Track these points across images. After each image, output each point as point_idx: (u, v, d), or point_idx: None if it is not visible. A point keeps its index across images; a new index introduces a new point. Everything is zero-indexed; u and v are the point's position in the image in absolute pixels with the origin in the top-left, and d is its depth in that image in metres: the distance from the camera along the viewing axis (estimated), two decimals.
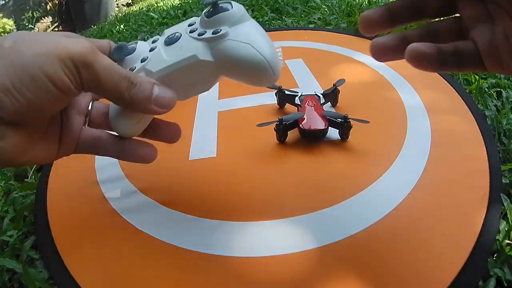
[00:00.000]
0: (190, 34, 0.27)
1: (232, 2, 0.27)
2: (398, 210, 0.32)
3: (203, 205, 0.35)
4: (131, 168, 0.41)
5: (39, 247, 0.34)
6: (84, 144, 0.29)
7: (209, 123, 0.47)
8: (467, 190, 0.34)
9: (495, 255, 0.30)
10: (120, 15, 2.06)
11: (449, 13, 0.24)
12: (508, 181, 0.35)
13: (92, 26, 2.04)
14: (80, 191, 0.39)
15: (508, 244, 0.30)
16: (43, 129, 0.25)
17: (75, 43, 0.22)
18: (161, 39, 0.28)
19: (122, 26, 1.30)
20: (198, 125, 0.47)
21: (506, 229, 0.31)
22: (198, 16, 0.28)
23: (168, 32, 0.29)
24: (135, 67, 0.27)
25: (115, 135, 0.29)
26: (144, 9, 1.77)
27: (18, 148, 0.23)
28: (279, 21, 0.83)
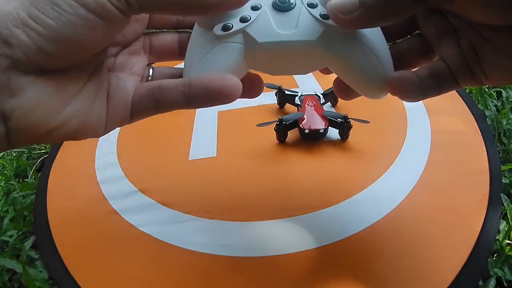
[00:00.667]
0: (310, 9, 0.22)
1: None
2: (398, 210, 0.32)
3: (203, 205, 0.35)
4: (131, 168, 0.41)
5: (39, 247, 0.34)
6: (141, 104, 0.22)
7: (209, 123, 0.47)
8: (467, 190, 0.34)
9: (495, 255, 0.30)
10: None
11: (411, 32, 0.24)
12: (508, 181, 0.35)
13: None
14: (80, 191, 0.39)
15: (508, 244, 0.30)
16: (80, 79, 0.20)
17: None
18: None
19: None
20: (198, 125, 0.47)
21: (506, 229, 0.31)
22: None
23: None
24: (231, 25, 0.22)
25: (179, 80, 0.22)
26: None
27: (44, 105, 0.17)
28: None
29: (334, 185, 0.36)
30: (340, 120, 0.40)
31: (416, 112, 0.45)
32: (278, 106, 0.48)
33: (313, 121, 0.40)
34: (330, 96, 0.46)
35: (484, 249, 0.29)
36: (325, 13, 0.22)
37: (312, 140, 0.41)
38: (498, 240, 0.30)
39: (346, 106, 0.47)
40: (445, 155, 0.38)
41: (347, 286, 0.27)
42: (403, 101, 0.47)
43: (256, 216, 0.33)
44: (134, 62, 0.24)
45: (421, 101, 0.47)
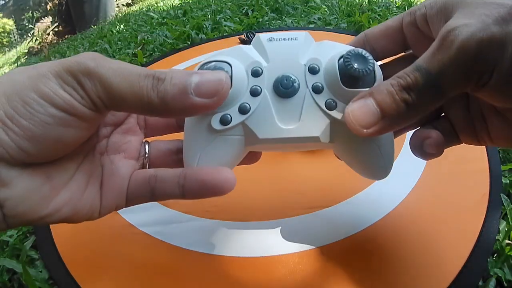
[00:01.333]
0: (314, 96, 0.20)
1: (375, 64, 0.20)
2: (397, 210, 0.32)
3: (203, 205, 0.35)
4: None
5: (39, 247, 0.34)
6: (136, 193, 0.22)
7: None
8: (467, 190, 0.34)
9: (495, 255, 0.30)
10: (120, 15, 2.06)
11: None
12: (508, 181, 0.35)
13: (92, 26, 2.04)
14: None
15: (508, 244, 0.30)
16: (69, 169, 0.20)
17: (74, 57, 0.18)
18: (267, 74, 0.21)
19: (122, 26, 1.30)
20: None
21: (506, 229, 0.31)
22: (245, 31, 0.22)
23: (275, 60, 0.21)
24: (230, 117, 0.20)
25: (174, 168, 0.22)
26: (144, 9, 1.77)
27: (33, 195, 0.18)
28: (279, 21, 0.83)
29: (334, 185, 0.36)
30: None
31: None
32: None
33: None
34: None
35: (484, 249, 0.29)
36: (331, 100, 0.20)
37: None
38: (498, 240, 0.30)
39: None
40: (445, 155, 0.38)
41: (347, 286, 0.27)
42: None
43: (256, 216, 0.33)
44: (128, 142, 0.23)
45: None
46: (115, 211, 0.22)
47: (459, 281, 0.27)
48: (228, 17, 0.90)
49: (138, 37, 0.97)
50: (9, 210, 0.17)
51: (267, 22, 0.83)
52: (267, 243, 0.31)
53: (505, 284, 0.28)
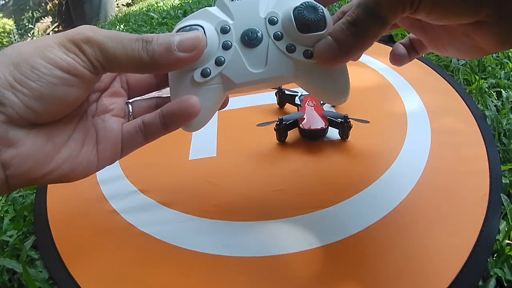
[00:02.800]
0: (276, 43, 0.24)
1: (325, 12, 0.24)
2: (398, 210, 0.32)
3: (203, 205, 0.35)
4: (131, 168, 0.41)
5: (39, 247, 0.34)
6: (130, 140, 0.25)
7: (209, 123, 0.47)
8: (467, 190, 0.34)
9: (495, 255, 0.30)
10: (120, 15, 2.06)
11: None
12: (508, 181, 0.35)
13: None
14: (80, 191, 0.39)
15: (508, 244, 0.30)
16: (68, 129, 0.22)
17: (75, 28, 0.21)
18: (234, 30, 0.25)
19: (122, 26, 1.30)
20: None
21: (506, 229, 0.31)
22: None
23: (239, 17, 0.25)
24: (209, 70, 0.24)
25: (155, 112, 0.25)
26: (144, 9, 1.77)
27: (38, 153, 0.20)
28: None
29: (334, 185, 0.36)
30: (340, 120, 0.40)
31: (416, 112, 0.45)
32: (278, 106, 0.48)
33: (313, 121, 0.40)
34: None
35: (484, 249, 0.29)
36: (290, 45, 0.24)
37: (312, 140, 0.41)
38: (498, 240, 0.30)
39: (346, 106, 0.47)
40: (445, 155, 0.38)
41: (347, 286, 0.27)
42: (403, 101, 0.47)
43: (256, 216, 0.33)
44: (115, 103, 0.26)
45: (421, 101, 0.47)
46: (110, 164, 0.25)
47: (459, 281, 0.27)
48: None
49: None
50: (15, 169, 0.19)
51: None
52: (268, 243, 0.31)
53: (505, 284, 0.28)
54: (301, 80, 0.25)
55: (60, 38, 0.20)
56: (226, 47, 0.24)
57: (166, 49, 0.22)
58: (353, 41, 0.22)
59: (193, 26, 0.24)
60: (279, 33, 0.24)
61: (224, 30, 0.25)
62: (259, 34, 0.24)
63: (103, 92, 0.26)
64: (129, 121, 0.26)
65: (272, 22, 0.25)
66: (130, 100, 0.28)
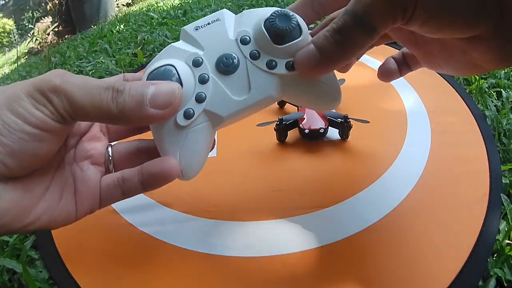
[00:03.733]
0: (255, 62, 0.22)
1: (297, 18, 0.22)
2: (398, 210, 0.32)
3: (203, 205, 0.35)
4: None
5: (39, 247, 0.34)
6: (109, 194, 0.24)
7: None
8: (467, 190, 0.34)
9: (495, 255, 0.30)
10: (120, 15, 2.06)
11: None
12: (508, 181, 0.35)
13: (92, 26, 2.04)
14: None
15: (508, 244, 0.30)
16: (44, 181, 0.22)
17: (43, 75, 0.20)
18: (206, 60, 0.23)
19: (122, 26, 1.30)
20: None
21: (506, 229, 0.31)
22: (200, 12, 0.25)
23: (208, 45, 0.23)
24: (192, 110, 0.22)
25: (135, 169, 0.24)
26: (144, 9, 1.77)
27: (16, 207, 0.20)
28: None
29: (334, 185, 0.36)
30: (340, 120, 0.40)
31: (416, 112, 0.45)
32: (278, 106, 0.48)
33: (313, 121, 0.40)
34: None
35: (484, 249, 0.29)
36: (270, 60, 0.22)
37: (312, 140, 0.41)
38: (498, 240, 0.30)
39: (346, 106, 0.47)
40: (445, 155, 0.38)
41: (347, 286, 0.27)
42: (403, 101, 0.47)
43: (256, 216, 0.33)
44: (94, 148, 0.25)
45: (421, 101, 0.47)
46: (89, 214, 0.24)
47: (459, 281, 0.27)
48: None
49: (138, 37, 0.97)
50: None
51: None
52: (267, 243, 0.31)
53: (505, 284, 0.28)
54: (290, 94, 0.24)
55: (28, 88, 0.19)
56: (203, 80, 0.22)
57: (138, 103, 0.20)
58: (337, 50, 0.20)
59: (165, 67, 0.22)
60: (255, 51, 0.23)
61: (197, 63, 0.23)
62: (234, 59, 0.23)
63: (82, 137, 0.25)
64: (108, 167, 0.25)
65: (244, 41, 0.23)
66: (112, 143, 0.27)
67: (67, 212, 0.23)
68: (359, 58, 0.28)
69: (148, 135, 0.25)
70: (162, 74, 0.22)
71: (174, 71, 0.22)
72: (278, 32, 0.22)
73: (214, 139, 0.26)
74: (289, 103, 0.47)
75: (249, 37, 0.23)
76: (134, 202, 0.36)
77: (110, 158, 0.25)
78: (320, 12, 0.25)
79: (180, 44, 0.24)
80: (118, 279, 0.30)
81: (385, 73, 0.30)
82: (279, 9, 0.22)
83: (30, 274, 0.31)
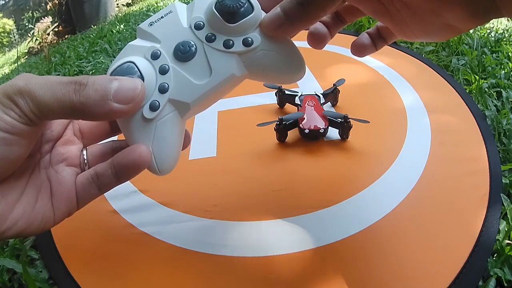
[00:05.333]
0: (211, 45, 0.23)
1: None
2: (397, 210, 0.32)
3: (203, 205, 0.35)
4: None
5: (39, 247, 0.34)
6: (85, 192, 0.24)
7: (209, 123, 0.47)
8: (467, 190, 0.34)
9: (495, 255, 0.30)
10: (120, 15, 2.06)
11: None
12: (508, 181, 0.35)
13: (92, 26, 2.04)
14: None
15: (508, 244, 0.30)
16: (19, 186, 0.22)
17: (10, 81, 0.20)
18: (164, 51, 0.23)
19: (122, 26, 1.30)
20: (198, 125, 0.47)
21: (506, 229, 0.31)
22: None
23: (163, 36, 0.23)
24: (158, 103, 0.22)
25: (107, 162, 0.24)
26: (144, 9, 1.77)
27: None
28: None
29: (334, 185, 0.36)
30: (340, 120, 0.40)
31: (416, 112, 0.45)
32: (278, 106, 0.48)
33: (313, 121, 0.40)
34: (330, 96, 0.46)
35: (484, 249, 0.29)
36: (227, 40, 0.23)
37: (312, 140, 0.41)
38: (498, 240, 0.30)
39: (346, 106, 0.47)
40: (445, 155, 0.38)
41: (347, 286, 0.27)
42: (403, 101, 0.47)
43: (256, 216, 0.33)
44: (68, 151, 0.25)
45: (421, 101, 0.47)
46: (67, 217, 0.24)
47: (459, 281, 0.27)
48: None
49: None
50: None
51: None
52: (267, 243, 0.31)
53: (505, 284, 0.28)
54: (253, 71, 0.23)
55: None
56: (163, 71, 0.23)
57: (101, 97, 0.20)
58: (300, 10, 0.21)
59: (126, 64, 0.22)
60: (210, 34, 0.23)
61: (155, 56, 0.23)
62: (191, 45, 0.23)
63: (56, 142, 0.26)
64: (84, 169, 0.25)
65: (198, 27, 0.23)
66: (87, 147, 0.27)
67: (43, 216, 0.23)
68: (334, 35, 0.28)
69: (122, 137, 0.25)
70: (123, 72, 0.22)
71: (135, 67, 0.22)
72: (229, 11, 0.22)
73: (188, 132, 0.26)
74: (289, 103, 0.47)
75: (202, 22, 0.23)
76: (134, 202, 0.36)
77: (85, 160, 0.26)
78: None
79: (137, 41, 0.24)
80: (118, 279, 0.30)
81: (358, 47, 0.29)
82: None
83: (30, 274, 0.31)
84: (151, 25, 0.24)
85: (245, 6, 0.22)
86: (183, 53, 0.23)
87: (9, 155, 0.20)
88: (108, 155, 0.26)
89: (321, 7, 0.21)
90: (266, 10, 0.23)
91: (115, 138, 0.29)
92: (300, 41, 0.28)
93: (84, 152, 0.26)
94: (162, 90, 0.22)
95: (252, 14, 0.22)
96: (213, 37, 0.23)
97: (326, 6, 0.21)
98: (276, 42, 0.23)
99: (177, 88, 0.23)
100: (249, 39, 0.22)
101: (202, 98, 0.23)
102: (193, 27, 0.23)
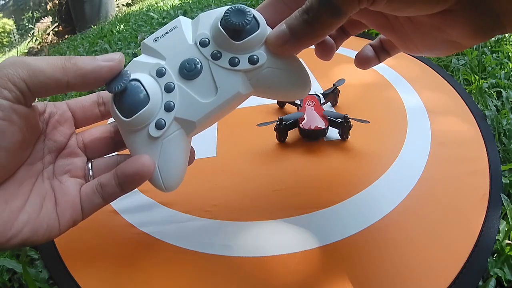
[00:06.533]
0: (217, 62, 0.23)
1: (253, 12, 0.23)
2: (398, 210, 0.32)
3: (203, 205, 0.35)
4: None
5: (39, 247, 0.34)
6: (89, 202, 0.24)
7: None
8: (467, 190, 0.34)
9: (495, 255, 0.30)
10: (120, 15, 2.06)
11: None
12: (508, 181, 0.35)
13: (92, 26, 2.04)
14: None
15: (508, 244, 0.30)
16: (23, 193, 0.23)
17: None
18: (169, 69, 0.23)
19: (122, 26, 1.30)
20: None
21: (506, 229, 0.31)
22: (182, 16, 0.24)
23: (169, 53, 0.23)
24: (163, 120, 0.22)
25: (111, 172, 0.24)
26: (144, 9, 1.77)
27: None
28: None
29: (334, 185, 0.36)
30: (340, 120, 0.40)
31: (416, 112, 0.45)
32: (278, 106, 0.48)
33: (313, 121, 0.40)
34: (330, 96, 0.46)
35: (484, 249, 0.29)
36: (233, 58, 0.22)
37: (312, 140, 0.41)
38: (498, 240, 0.30)
39: (346, 106, 0.47)
40: (445, 155, 0.38)
41: (347, 286, 0.27)
42: (403, 101, 0.47)
43: (256, 216, 0.33)
44: (72, 163, 0.26)
45: (421, 101, 0.47)
46: (73, 226, 0.24)
47: (459, 281, 0.27)
48: None
49: (138, 37, 0.97)
50: None
51: None
52: (267, 243, 0.31)
53: (505, 284, 0.28)
54: (259, 89, 0.23)
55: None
56: (169, 89, 0.23)
57: (90, 58, 0.22)
58: (305, 28, 0.21)
59: (131, 83, 0.22)
60: (216, 51, 0.23)
61: (160, 73, 0.23)
62: (196, 63, 0.23)
63: (59, 153, 0.26)
64: (88, 180, 0.26)
65: (203, 44, 0.23)
66: (92, 160, 0.27)
67: (48, 225, 0.23)
68: (338, 47, 0.28)
69: (127, 152, 0.25)
70: (129, 91, 0.22)
71: (140, 86, 0.22)
72: (235, 29, 0.22)
73: (193, 148, 0.27)
74: (289, 103, 0.47)
75: (207, 39, 0.23)
76: (134, 202, 0.36)
77: (91, 171, 0.26)
78: (292, 6, 0.25)
79: (142, 57, 0.24)
80: (118, 279, 0.30)
81: (362, 60, 0.29)
82: (233, 5, 0.22)
83: (30, 274, 0.31)
84: (155, 40, 0.24)
85: (251, 23, 0.22)
86: (188, 71, 0.23)
87: (5, 143, 0.20)
88: (112, 169, 0.26)
89: (327, 24, 0.21)
90: (272, 25, 0.23)
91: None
92: None
93: (89, 164, 0.26)
94: (168, 108, 0.22)
95: (257, 31, 0.22)
96: (218, 55, 0.23)
97: (332, 24, 0.20)
98: (282, 59, 0.23)
99: (183, 107, 0.22)
100: (255, 56, 0.22)
101: (208, 117, 0.23)
102: (198, 44, 0.23)
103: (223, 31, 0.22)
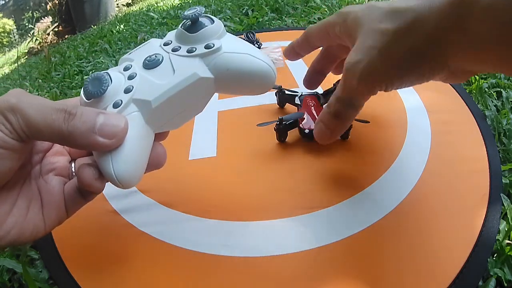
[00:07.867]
0: (176, 53, 0.25)
1: (211, 16, 0.26)
2: (397, 210, 0.32)
3: (203, 205, 0.35)
4: None
5: (39, 247, 0.34)
6: (72, 200, 0.25)
7: (209, 123, 0.47)
8: (467, 190, 0.34)
9: (495, 255, 0.30)
10: (120, 15, 2.06)
11: None
12: (508, 181, 0.35)
13: (92, 26, 2.04)
14: None
15: (508, 244, 0.30)
16: (11, 197, 0.23)
17: (2, 95, 0.21)
18: (135, 64, 0.25)
19: (122, 26, 1.30)
20: (198, 125, 0.47)
21: (506, 229, 0.31)
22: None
23: (137, 56, 0.26)
24: (121, 101, 0.23)
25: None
26: (144, 9, 1.77)
27: None
28: (279, 21, 0.83)
29: (334, 185, 0.36)
30: None
31: (416, 112, 0.45)
32: (278, 106, 0.48)
33: (313, 121, 0.40)
34: (330, 96, 0.46)
35: (484, 249, 0.29)
36: (190, 48, 0.25)
37: (312, 140, 0.41)
38: (498, 240, 0.30)
39: None
40: (445, 155, 0.38)
41: (347, 286, 0.27)
42: (403, 101, 0.47)
43: (256, 216, 0.33)
44: (57, 162, 0.27)
45: (421, 101, 0.47)
46: (58, 225, 0.26)
47: (459, 281, 0.27)
48: (228, 17, 0.90)
49: (138, 37, 0.97)
50: None
51: (267, 22, 0.83)
52: (267, 243, 0.31)
53: (505, 284, 0.28)
54: (219, 75, 0.24)
55: None
56: (131, 77, 0.24)
57: (87, 129, 0.21)
58: (339, 125, 0.31)
59: (99, 74, 0.23)
60: (176, 46, 0.25)
61: (127, 68, 0.25)
62: (158, 55, 0.25)
63: (46, 152, 0.27)
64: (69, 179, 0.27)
65: (167, 44, 0.26)
66: (76, 160, 0.28)
67: (34, 226, 0.24)
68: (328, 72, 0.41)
69: None
70: (97, 78, 0.23)
71: (107, 75, 0.24)
72: (191, 19, 0.25)
73: (163, 151, 0.27)
74: (289, 103, 0.47)
75: (171, 41, 0.26)
76: (134, 202, 0.36)
77: (73, 171, 0.27)
78: (314, 46, 0.38)
79: (116, 67, 0.27)
80: (118, 279, 0.30)
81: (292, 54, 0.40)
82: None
83: (30, 274, 0.31)
84: (129, 54, 0.27)
85: (204, 18, 0.26)
86: (149, 62, 0.25)
87: (0, 168, 0.21)
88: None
89: (352, 116, 0.30)
90: (288, 58, 0.37)
91: None
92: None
93: (73, 164, 0.27)
94: (127, 90, 0.24)
95: (212, 24, 0.25)
96: (178, 48, 0.25)
97: (354, 115, 0.30)
98: (239, 44, 0.25)
99: (141, 89, 0.23)
100: (211, 44, 0.24)
101: (164, 96, 0.23)
102: (162, 45, 0.26)
103: (182, 28, 0.25)
